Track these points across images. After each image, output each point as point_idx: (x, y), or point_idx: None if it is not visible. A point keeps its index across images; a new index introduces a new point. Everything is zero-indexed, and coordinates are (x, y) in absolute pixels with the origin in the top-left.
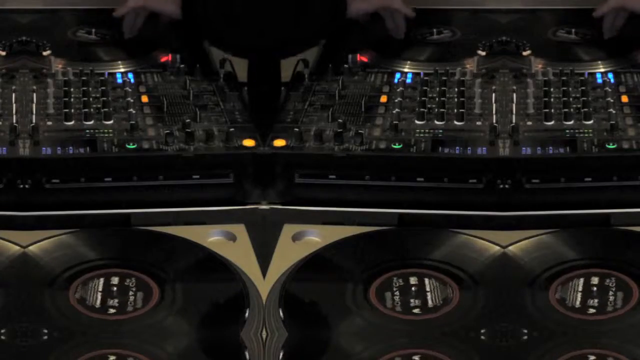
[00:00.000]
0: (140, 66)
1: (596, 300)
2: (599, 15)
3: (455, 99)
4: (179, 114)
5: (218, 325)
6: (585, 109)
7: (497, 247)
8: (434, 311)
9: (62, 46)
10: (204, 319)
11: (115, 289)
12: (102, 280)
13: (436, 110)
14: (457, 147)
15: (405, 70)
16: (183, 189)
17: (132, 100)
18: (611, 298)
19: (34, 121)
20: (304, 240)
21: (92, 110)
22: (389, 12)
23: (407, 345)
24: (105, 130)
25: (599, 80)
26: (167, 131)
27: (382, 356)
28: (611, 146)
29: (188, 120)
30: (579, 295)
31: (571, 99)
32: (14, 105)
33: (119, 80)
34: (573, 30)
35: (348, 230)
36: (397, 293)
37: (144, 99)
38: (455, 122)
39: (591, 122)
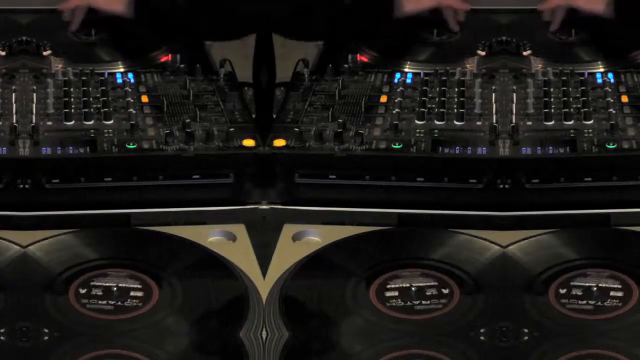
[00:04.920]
0: (140, 66)
1: (596, 300)
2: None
3: (455, 99)
4: (179, 114)
5: (218, 326)
6: (585, 109)
7: (497, 247)
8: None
9: (62, 46)
10: (203, 319)
11: (115, 289)
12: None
13: (436, 110)
14: (457, 147)
15: (405, 70)
16: (183, 189)
17: (132, 100)
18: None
19: (34, 121)
20: (304, 240)
21: (92, 110)
22: (445, 9)
23: (407, 345)
24: (105, 130)
25: (599, 80)
26: (167, 131)
27: (382, 356)
28: (611, 146)
29: (188, 120)
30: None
31: (571, 99)
32: (14, 105)
33: (119, 80)
34: (573, 30)
35: (348, 230)
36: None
37: (144, 99)
38: (455, 122)
39: (591, 122)
